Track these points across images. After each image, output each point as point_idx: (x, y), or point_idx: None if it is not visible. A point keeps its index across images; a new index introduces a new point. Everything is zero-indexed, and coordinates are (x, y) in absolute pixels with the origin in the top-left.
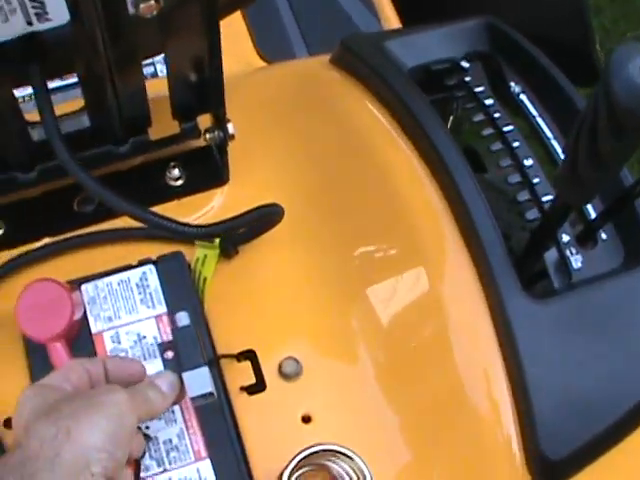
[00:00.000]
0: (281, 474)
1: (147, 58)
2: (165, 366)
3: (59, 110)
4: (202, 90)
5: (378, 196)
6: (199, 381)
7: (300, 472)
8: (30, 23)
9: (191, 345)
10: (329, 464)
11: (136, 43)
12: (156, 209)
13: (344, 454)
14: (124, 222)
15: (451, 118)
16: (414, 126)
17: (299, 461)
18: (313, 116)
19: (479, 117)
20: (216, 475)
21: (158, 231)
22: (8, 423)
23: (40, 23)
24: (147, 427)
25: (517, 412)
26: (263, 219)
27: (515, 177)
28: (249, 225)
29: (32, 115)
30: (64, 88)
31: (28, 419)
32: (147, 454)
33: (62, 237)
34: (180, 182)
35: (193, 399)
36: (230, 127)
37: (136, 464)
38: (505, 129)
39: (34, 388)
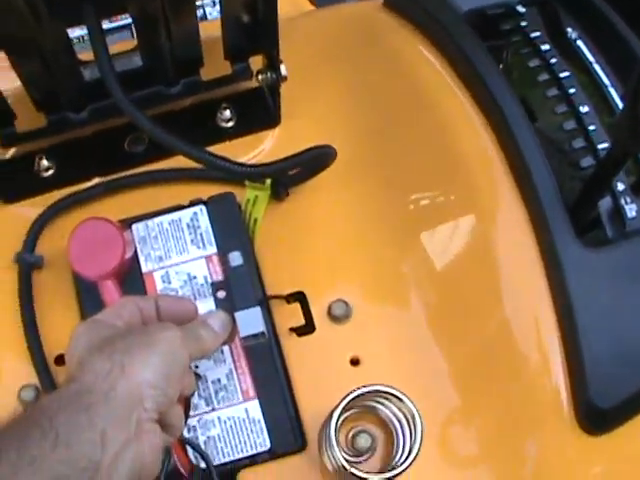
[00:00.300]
0: (331, 414)
1: None
2: (217, 305)
3: (111, 51)
4: (255, 31)
5: (431, 141)
6: (251, 321)
7: (348, 414)
8: None
9: (244, 285)
10: (377, 406)
11: None
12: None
13: (395, 395)
14: (175, 163)
15: (500, 66)
16: (470, 71)
17: (349, 401)
18: (366, 59)
19: (534, 63)
20: (264, 415)
21: (209, 172)
22: (59, 360)
23: None
24: (196, 366)
25: (567, 360)
26: (316, 160)
27: (570, 124)
28: (301, 166)
29: (84, 56)
30: (115, 30)
31: (82, 354)
32: (196, 393)
33: (113, 177)
34: (231, 123)
35: (244, 339)
36: (283, 68)
37: (186, 402)
38: (561, 75)
39: (88, 323)
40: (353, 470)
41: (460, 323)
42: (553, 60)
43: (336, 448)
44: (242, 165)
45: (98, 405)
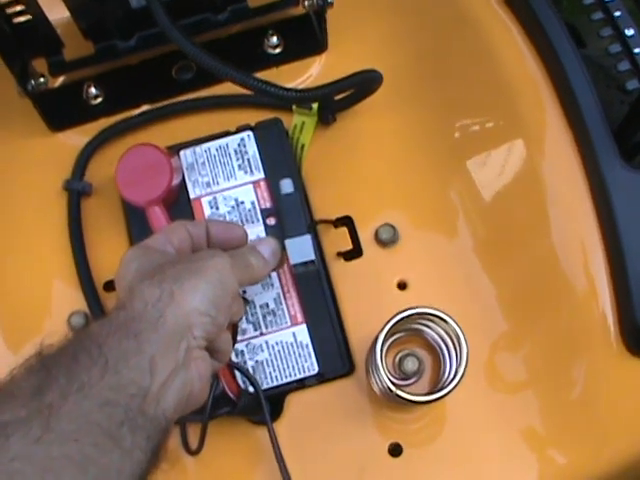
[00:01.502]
0: (377, 337)
1: None
2: (267, 232)
3: None
4: None
5: (479, 68)
6: (302, 248)
7: (394, 338)
8: None
9: (294, 212)
10: (423, 328)
11: None
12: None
13: (439, 317)
14: (222, 90)
15: None
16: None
17: (394, 324)
18: None
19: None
20: (312, 339)
21: (256, 98)
22: (108, 286)
23: None
24: (244, 291)
25: (613, 284)
26: (362, 85)
27: (616, 47)
28: (348, 90)
29: None
30: None
31: (133, 280)
32: (244, 318)
33: (161, 104)
34: (278, 50)
35: (294, 266)
36: None
37: (233, 327)
38: None
39: (138, 249)
40: (399, 392)
41: (507, 248)
42: None
43: (382, 371)
44: (288, 90)
45: (147, 332)
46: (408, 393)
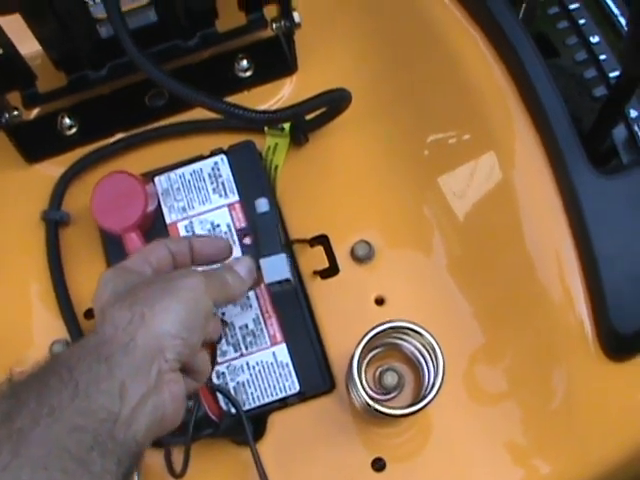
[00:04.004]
0: (354, 352)
1: None
2: (243, 252)
3: (125, 7)
4: None
5: (447, 82)
6: (277, 267)
7: (373, 353)
8: None
9: (269, 232)
10: (401, 342)
11: None
12: (227, 99)
13: (414, 330)
14: (195, 115)
15: (523, 6)
16: (479, 8)
17: (370, 338)
18: (377, 1)
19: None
20: (292, 358)
21: (228, 122)
22: (88, 314)
23: None
24: (223, 313)
25: (588, 290)
26: (331, 104)
27: (581, 55)
28: (318, 110)
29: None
30: None
31: (106, 302)
32: (224, 340)
33: (135, 132)
34: (249, 73)
35: (270, 285)
36: (296, 16)
37: (213, 349)
38: (571, 7)
39: (114, 270)
40: (377, 407)
41: (482, 260)
42: None
43: (359, 386)
44: (258, 112)
45: (118, 356)
46: (386, 407)
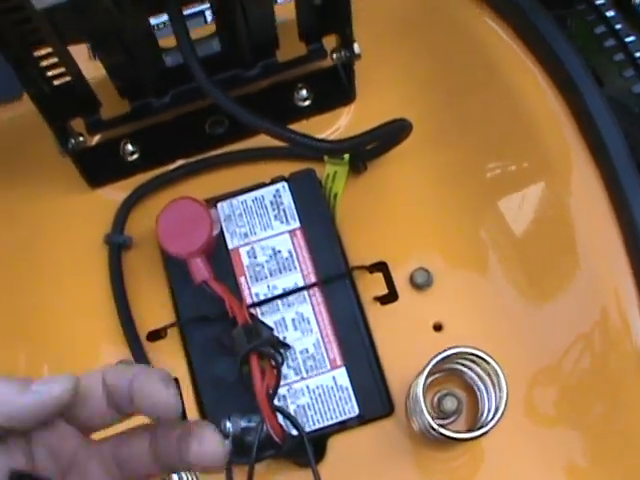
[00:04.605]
0: (418, 377)
1: None
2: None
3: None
4: (328, 12)
5: (503, 111)
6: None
7: (433, 378)
8: None
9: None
10: (462, 369)
11: None
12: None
13: (479, 357)
14: (253, 143)
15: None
16: (536, 39)
17: (436, 363)
18: (434, 33)
19: (600, 29)
20: (351, 382)
21: (288, 150)
22: (151, 336)
23: None
24: (284, 337)
25: None
26: (392, 134)
27: (638, 87)
28: (378, 140)
29: (163, 42)
30: (189, 17)
31: None
32: (285, 363)
33: (196, 158)
34: (308, 102)
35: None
36: (356, 47)
37: (277, 372)
38: (627, 40)
39: None
40: (442, 431)
41: (539, 285)
42: (618, 26)
43: (424, 410)
44: (322, 141)
45: None
46: (452, 431)
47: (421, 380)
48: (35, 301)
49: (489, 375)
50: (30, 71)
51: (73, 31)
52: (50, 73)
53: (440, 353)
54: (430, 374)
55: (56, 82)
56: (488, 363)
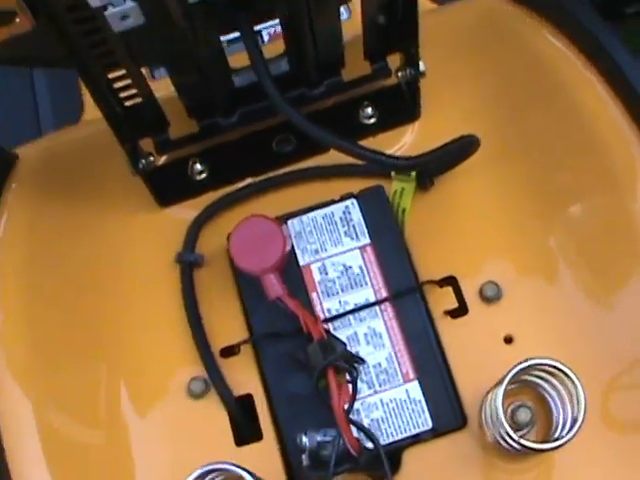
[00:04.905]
0: (496, 388)
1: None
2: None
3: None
4: (394, 31)
5: (566, 124)
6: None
7: (508, 389)
8: None
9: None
10: (535, 380)
11: None
12: None
13: (557, 368)
14: (319, 161)
15: None
16: (597, 52)
17: (514, 375)
18: (495, 50)
19: None
20: (424, 395)
21: (355, 168)
22: (225, 352)
23: None
24: (357, 352)
25: None
26: (462, 150)
27: None
28: (451, 155)
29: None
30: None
31: None
32: (358, 377)
33: (264, 177)
34: (373, 120)
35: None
36: (421, 65)
37: (353, 387)
38: None
39: None
40: (523, 441)
41: (608, 293)
42: None
43: (504, 420)
44: (396, 158)
45: None
46: (532, 442)
47: (500, 391)
48: (110, 317)
49: (565, 386)
50: (104, 92)
51: (147, 53)
52: (123, 94)
53: (520, 364)
54: (510, 383)
55: (128, 103)
56: (566, 375)
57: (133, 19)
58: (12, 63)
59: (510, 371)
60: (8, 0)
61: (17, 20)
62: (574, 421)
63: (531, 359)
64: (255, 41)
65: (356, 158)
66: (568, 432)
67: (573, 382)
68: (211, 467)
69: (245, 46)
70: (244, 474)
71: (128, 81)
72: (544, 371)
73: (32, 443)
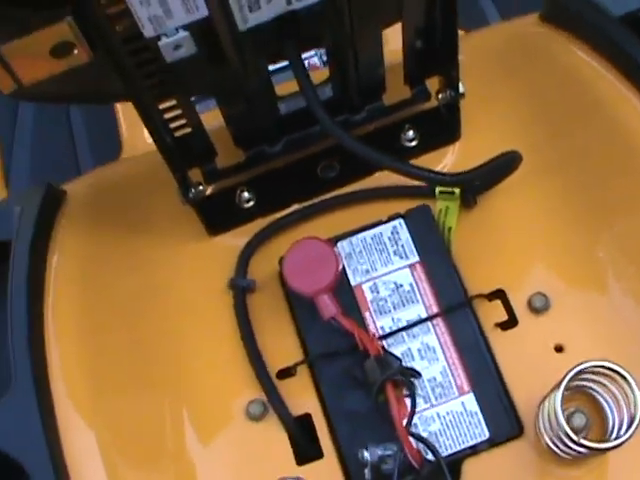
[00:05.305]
0: (556, 390)
1: (386, 26)
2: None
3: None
4: (433, 55)
5: (606, 140)
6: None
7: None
8: (289, 2)
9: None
10: (588, 384)
11: (376, 11)
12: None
13: (612, 369)
14: (362, 185)
15: None
16: (632, 68)
17: (572, 377)
18: (531, 70)
19: None
20: (480, 407)
21: (399, 190)
22: (281, 374)
23: (298, 1)
24: (412, 369)
25: None
26: (507, 164)
27: None
28: (495, 171)
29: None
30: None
31: None
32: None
33: (311, 202)
34: (414, 142)
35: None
36: (461, 86)
37: (412, 401)
38: None
39: None
40: (583, 441)
41: None
42: None
43: (564, 422)
44: (444, 174)
45: None
46: (593, 441)
47: (559, 394)
48: (166, 347)
49: (619, 387)
50: (157, 123)
51: (199, 83)
52: (173, 124)
53: (577, 365)
54: (570, 381)
55: (178, 133)
56: (621, 375)
57: (185, 49)
58: (57, 100)
59: (568, 373)
60: (65, 32)
61: (75, 52)
62: (631, 420)
63: (588, 361)
64: (303, 67)
65: (406, 175)
66: (626, 431)
67: (627, 381)
68: None
69: (294, 73)
70: None
71: (179, 111)
72: (598, 373)
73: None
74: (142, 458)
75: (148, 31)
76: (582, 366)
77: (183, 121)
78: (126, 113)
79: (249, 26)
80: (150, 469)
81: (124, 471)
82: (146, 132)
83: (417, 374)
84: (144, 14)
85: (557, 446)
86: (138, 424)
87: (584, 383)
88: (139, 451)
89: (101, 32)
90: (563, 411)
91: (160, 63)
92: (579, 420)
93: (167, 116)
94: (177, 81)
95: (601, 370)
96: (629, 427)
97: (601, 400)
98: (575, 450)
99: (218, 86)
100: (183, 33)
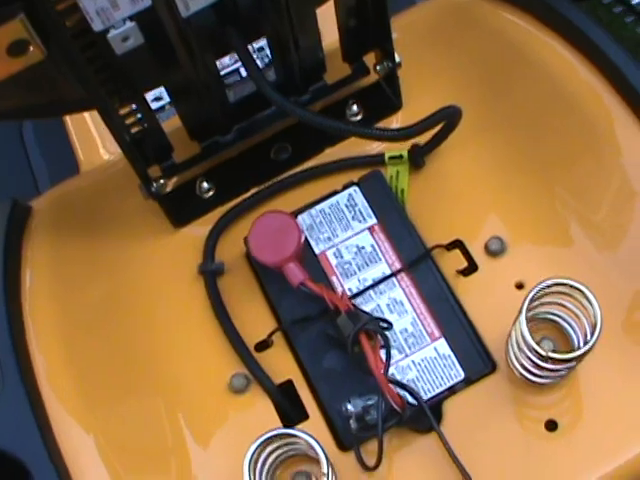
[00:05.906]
0: (516, 318)
1: (320, 4)
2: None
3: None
4: (368, 31)
5: (540, 95)
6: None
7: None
8: None
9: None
10: (551, 310)
11: None
12: (343, 143)
13: (572, 286)
14: (317, 162)
15: None
16: (568, 30)
17: (532, 297)
18: (466, 37)
19: (630, 19)
20: (452, 350)
21: (350, 162)
22: (259, 347)
23: None
24: (383, 319)
25: None
26: (447, 120)
27: None
28: (438, 127)
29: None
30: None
31: None
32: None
33: (267, 184)
34: (360, 116)
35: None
36: (396, 56)
37: (387, 353)
38: None
39: None
40: (551, 354)
41: (610, 226)
42: None
43: (530, 340)
44: (390, 130)
45: None
46: (559, 353)
47: (522, 317)
48: (146, 339)
49: (577, 302)
50: (114, 121)
51: (149, 76)
52: (129, 121)
53: (534, 288)
54: (532, 301)
55: (135, 129)
56: (577, 289)
57: (134, 40)
58: (12, 115)
59: (527, 295)
60: (19, 30)
61: (30, 49)
62: (593, 328)
63: (543, 281)
64: (249, 53)
65: (365, 138)
66: (590, 338)
67: (583, 293)
68: (274, 433)
69: (240, 58)
70: (304, 436)
71: (134, 106)
72: (555, 293)
73: None
74: (138, 451)
75: (97, 25)
76: (539, 286)
77: (139, 115)
78: (79, 133)
79: (191, 12)
80: (146, 459)
81: (115, 463)
82: (102, 149)
83: (388, 323)
84: (91, 7)
85: (529, 371)
86: (130, 416)
87: (544, 309)
88: (133, 441)
89: (53, 28)
90: (529, 330)
91: (111, 57)
92: (547, 346)
93: (123, 112)
94: (129, 75)
95: (558, 289)
96: (592, 334)
97: (562, 323)
98: (546, 369)
99: (168, 79)
100: (130, 24)
